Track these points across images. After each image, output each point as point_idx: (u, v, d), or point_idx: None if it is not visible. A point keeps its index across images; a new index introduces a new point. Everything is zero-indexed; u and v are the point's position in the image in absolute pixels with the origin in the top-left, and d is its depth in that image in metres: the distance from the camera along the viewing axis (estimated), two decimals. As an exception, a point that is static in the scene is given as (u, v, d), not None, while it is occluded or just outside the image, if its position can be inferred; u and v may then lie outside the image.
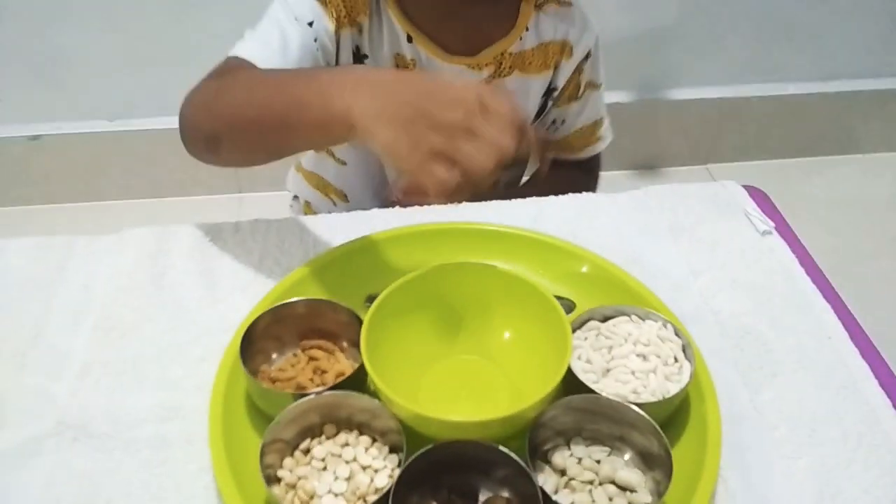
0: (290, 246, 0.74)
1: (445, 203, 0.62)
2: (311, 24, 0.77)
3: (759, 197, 0.82)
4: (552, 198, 0.80)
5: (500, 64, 0.85)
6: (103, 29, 1.55)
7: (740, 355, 0.65)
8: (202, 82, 0.70)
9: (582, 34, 0.88)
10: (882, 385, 0.63)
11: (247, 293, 0.68)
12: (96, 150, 1.66)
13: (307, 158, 0.99)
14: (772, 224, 0.77)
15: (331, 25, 0.78)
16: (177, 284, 0.70)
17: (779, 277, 0.72)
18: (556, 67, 0.88)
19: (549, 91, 0.90)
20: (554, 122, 0.94)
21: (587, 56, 0.89)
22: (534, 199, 0.80)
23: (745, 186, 0.83)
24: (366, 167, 0.93)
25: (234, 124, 0.66)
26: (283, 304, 0.62)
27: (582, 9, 0.88)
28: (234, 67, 0.70)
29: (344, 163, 0.93)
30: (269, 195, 1.55)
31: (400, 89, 0.54)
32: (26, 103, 1.65)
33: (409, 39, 0.82)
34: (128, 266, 0.71)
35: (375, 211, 0.79)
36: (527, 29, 0.85)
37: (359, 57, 0.83)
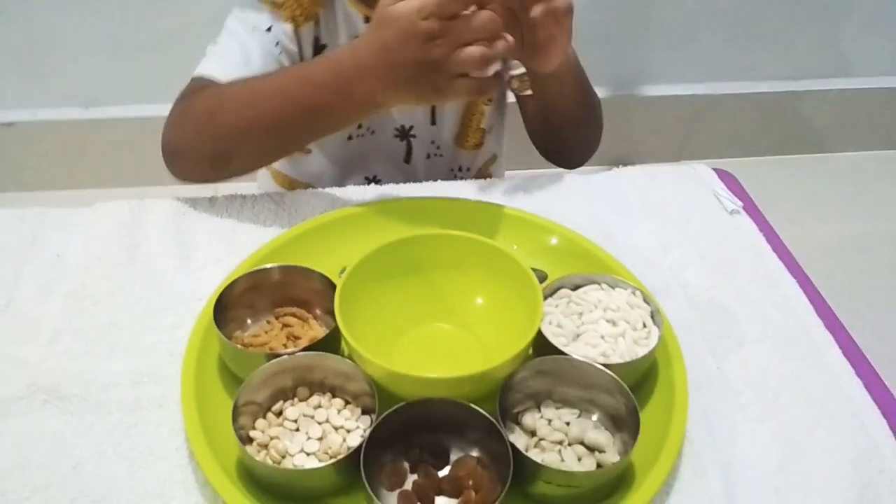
0: (265, 219, 0.74)
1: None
2: (269, 29, 0.78)
3: (728, 178, 0.83)
4: (526, 178, 0.81)
5: None
6: (80, 15, 1.54)
7: (707, 325, 0.66)
8: (177, 108, 0.75)
9: None
10: (845, 354, 0.64)
11: (220, 265, 0.69)
12: (71, 138, 1.65)
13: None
14: (740, 203, 0.79)
15: (289, 26, 0.80)
16: (151, 255, 0.70)
17: (746, 254, 0.74)
18: None
19: None
20: None
21: None
22: (508, 178, 0.81)
23: (714, 169, 0.84)
24: (333, 152, 0.93)
25: (248, 135, 0.71)
26: (258, 270, 0.62)
27: None
28: (207, 87, 0.74)
29: (308, 150, 0.94)
30: (243, 185, 1.55)
31: (390, 57, 0.63)
32: (1, 90, 1.65)
33: (367, 20, 0.82)
34: (102, 237, 0.71)
35: (350, 188, 0.79)
36: None
37: (318, 48, 0.84)
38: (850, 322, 0.69)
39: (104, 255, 0.70)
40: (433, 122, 0.92)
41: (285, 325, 0.63)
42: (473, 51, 0.61)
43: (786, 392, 0.61)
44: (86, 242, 0.71)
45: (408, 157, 0.94)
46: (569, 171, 0.87)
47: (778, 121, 1.91)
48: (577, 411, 0.57)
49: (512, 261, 0.61)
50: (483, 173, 0.99)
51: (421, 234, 0.64)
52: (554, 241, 0.71)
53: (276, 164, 0.97)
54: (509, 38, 0.62)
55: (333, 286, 0.60)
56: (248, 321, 0.63)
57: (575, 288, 0.63)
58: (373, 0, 0.82)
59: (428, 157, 0.95)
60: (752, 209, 0.79)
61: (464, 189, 0.78)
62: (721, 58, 1.81)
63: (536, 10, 0.66)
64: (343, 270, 0.66)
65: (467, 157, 0.96)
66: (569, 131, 0.89)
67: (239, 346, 0.59)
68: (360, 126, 0.90)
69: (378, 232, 0.68)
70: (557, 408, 0.57)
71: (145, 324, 0.64)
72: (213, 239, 0.72)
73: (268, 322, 0.63)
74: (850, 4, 1.78)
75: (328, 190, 0.79)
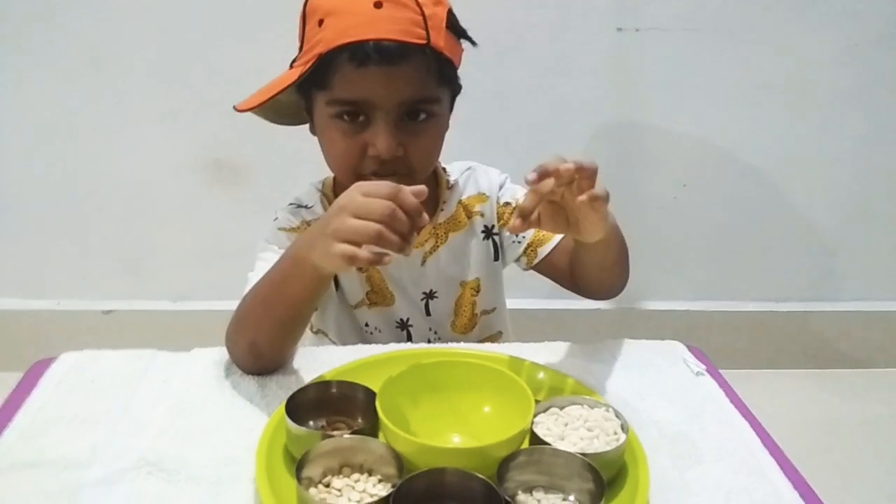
0: (321, 362, 0.94)
1: (377, 256, 0.75)
2: None
3: (695, 351, 1.02)
4: (531, 344, 1.01)
5: (437, 235, 1.09)
6: (175, 224, 1.91)
7: (674, 449, 0.82)
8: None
9: (489, 179, 1.13)
10: (785, 473, 0.79)
11: (289, 391, 0.87)
12: (159, 326, 1.95)
13: (310, 342, 1.19)
14: (703, 367, 0.97)
15: None
16: (234, 384, 0.90)
17: (708, 403, 0.91)
18: (481, 213, 1.11)
19: (489, 231, 1.12)
20: (515, 238, 1.11)
21: (501, 187, 1.13)
22: (515, 345, 1.02)
23: (684, 344, 1.04)
24: (352, 343, 1.12)
25: (255, 319, 0.89)
26: (318, 381, 0.82)
27: (479, 165, 1.14)
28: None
29: (335, 343, 1.14)
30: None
31: (324, 224, 0.78)
32: (103, 282, 2.01)
33: None
34: (198, 370, 0.92)
35: (394, 345, 1.00)
36: (444, 201, 1.09)
37: None
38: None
39: (200, 382, 0.90)
40: (427, 314, 1.13)
41: (336, 426, 0.80)
42: (367, 225, 0.73)
43: (735, 497, 0.76)
44: (187, 374, 0.92)
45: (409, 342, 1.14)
46: (567, 342, 1.05)
47: (766, 338, 2.13)
48: (561, 495, 0.72)
49: (513, 380, 0.80)
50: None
51: (442, 360, 0.84)
52: (541, 375, 0.90)
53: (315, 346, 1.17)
54: (408, 237, 0.75)
55: (373, 398, 0.79)
56: (310, 423, 0.81)
57: (563, 407, 0.81)
58: None
59: (429, 341, 1.14)
60: (713, 372, 0.97)
61: (475, 346, 0.98)
62: (707, 279, 2.10)
63: (583, 198, 0.77)
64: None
65: (465, 338, 1.15)
66: (606, 279, 1.03)
67: (301, 428, 0.76)
68: (375, 328, 1.12)
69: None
70: (546, 492, 0.72)
71: (228, 427, 0.82)
72: (284, 375, 0.92)
73: (322, 427, 0.81)
74: (822, 231, 2.08)
75: (375, 346, 1.00)
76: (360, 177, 0.97)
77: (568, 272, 1.08)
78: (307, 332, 1.19)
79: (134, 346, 2.03)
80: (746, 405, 0.92)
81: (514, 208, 0.82)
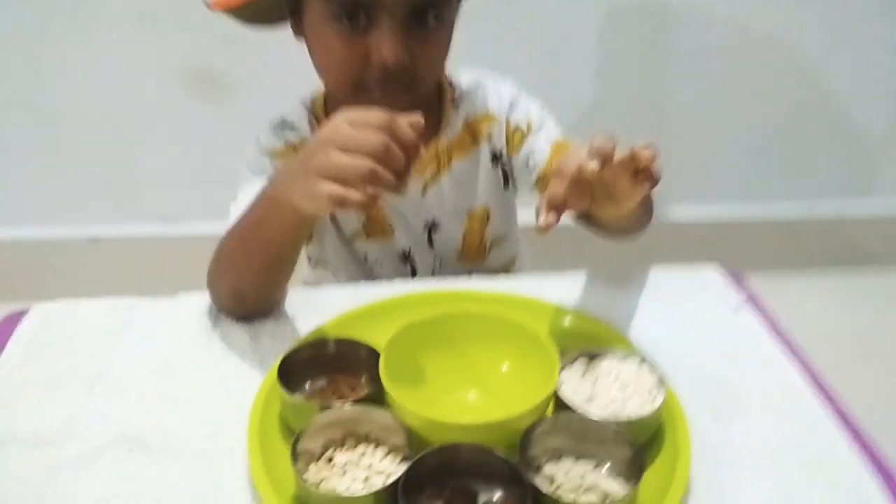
0: (319, 307, 0.85)
1: (370, 198, 0.65)
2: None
3: (733, 276, 0.92)
4: (550, 275, 0.92)
5: (439, 160, 0.98)
6: (162, 141, 1.78)
7: (713, 398, 0.74)
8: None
9: (499, 95, 0.99)
10: (840, 422, 0.71)
11: (284, 344, 0.79)
12: (150, 252, 1.85)
13: (309, 276, 1.10)
14: (744, 298, 0.87)
15: None
16: (223, 335, 0.81)
17: (750, 342, 0.82)
18: (489, 137, 0.99)
19: (498, 157, 1.00)
20: (527, 165, 0.98)
21: (512, 105, 0.99)
22: (534, 276, 0.92)
23: (720, 270, 0.94)
24: (353, 277, 1.04)
25: (235, 263, 0.81)
26: (316, 341, 0.73)
27: (488, 77, 1.00)
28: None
29: (336, 277, 1.05)
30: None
31: (304, 160, 0.69)
32: (87, 207, 1.88)
33: None
34: (183, 321, 0.83)
35: (400, 282, 0.91)
36: (448, 122, 0.97)
37: None
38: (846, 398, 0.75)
39: (184, 335, 0.81)
40: (431, 246, 1.03)
41: (336, 389, 0.72)
42: (357, 162, 0.64)
43: (784, 456, 0.68)
44: (170, 325, 0.83)
45: (413, 275, 1.05)
46: (588, 269, 0.95)
47: (796, 240, 2.02)
48: (592, 462, 0.64)
49: (533, 335, 0.71)
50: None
51: (456, 311, 0.74)
52: (567, 321, 0.80)
53: (315, 280, 1.09)
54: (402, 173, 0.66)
55: (378, 355, 0.70)
56: (306, 386, 0.73)
57: (591, 359, 0.72)
58: None
59: (433, 273, 1.05)
60: (755, 304, 0.88)
61: (492, 283, 0.89)
62: (739, 178, 1.96)
63: (643, 187, 0.67)
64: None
65: (471, 267, 1.05)
66: (629, 228, 0.91)
67: (297, 397, 0.68)
68: (376, 260, 1.03)
69: (418, 316, 0.78)
70: (575, 462, 0.64)
71: (217, 389, 0.74)
72: (278, 324, 0.83)
73: (321, 389, 0.73)
74: (860, 128, 1.93)
75: (383, 284, 0.90)
76: (360, 89, 0.85)
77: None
78: (304, 266, 1.10)
79: (123, 274, 1.94)
80: (791, 340, 0.83)
81: (539, 203, 0.68)
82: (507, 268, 1.11)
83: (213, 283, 0.84)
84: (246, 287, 0.82)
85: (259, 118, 0.97)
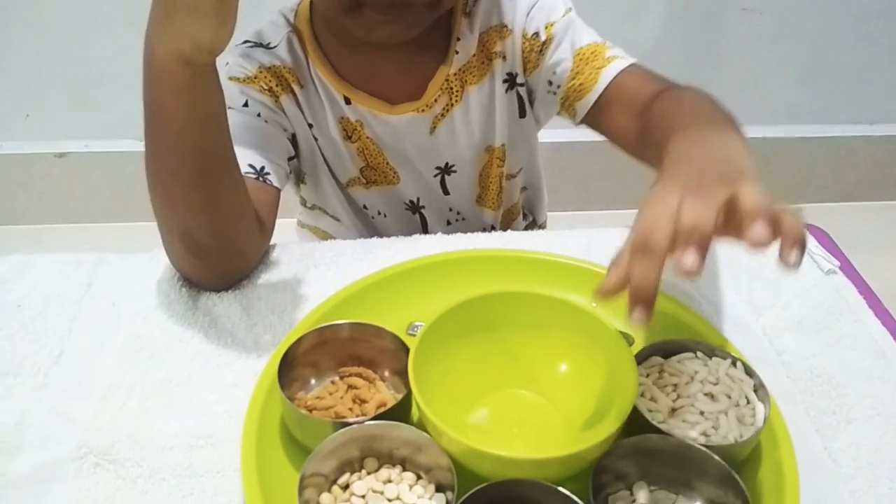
0: (326, 269, 0.71)
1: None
2: (245, 104, 0.74)
3: (821, 236, 0.78)
4: (602, 229, 0.76)
5: (451, 90, 0.80)
6: (134, 49, 1.54)
7: (810, 399, 0.60)
8: None
9: (514, 3, 0.79)
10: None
11: (283, 317, 0.65)
12: (123, 170, 1.64)
13: (305, 217, 0.95)
14: (836, 263, 0.73)
15: (267, 98, 0.77)
16: (209, 306, 0.66)
17: (846, 318, 0.68)
18: (503, 56, 0.80)
19: (512, 79, 0.82)
20: (550, 83, 0.80)
21: (528, 13, 0.79)
22: (583, 230, 0.76)
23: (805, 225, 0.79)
24: (356, 225, 0.89)
25: (163, 191, 0.63)
26: (327, 326, 0.58)
27: None
28: None
29: (338, 219, 0.90)
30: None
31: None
32: (53, 120, 1.66)
33: (348, 101, 0.78)
34: (160, 284, 0.68)
35: (418, 237, 0.75)
36: (458, 39, 0.79)
37: (306, 123, 0.80)
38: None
39: (162, 303, 0.66)
40: (445, 192, 0.87)
41: (351, 387, 0.58)
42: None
43: (902, 476, 0.55)
44: (143, 290, 0.68)
45: (424, 228, 0.89)
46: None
47: (852, 166, 1.85)
48: (673, 496, 0.51)
49: (598, 323, 0.56)
50: (513, 213, 0.93)
51: (497, 292, 0.59)
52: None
53: (310, 222, 0.94)
54: None
55: (403, 346, 0.56)
56: (312, 381, 0.59)
57: (667, 356, 0.58)
58: (356, 78, 0.77)
59: (448, 223, 0.90)
60: (848, 268, 0.74)
61: (533, 240, 0.74)
62: (794, 100, 1.76)
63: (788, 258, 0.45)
64: (411, 326, 0.62)
65: (492, 215, 0.90)
66: None
67: (303, 410, 0.54)
68: (378, 211, 0.87)
69: (444, 286, 0.64)
70: (652, 490, 0.51)
71: (203, 382, 0.60)
72: (276, 287, 0.68)
73: (332, 383, 0.59)
74: None
75: (392, 239, 0.75)
76: (356, 7, 0.68)
77: (632, 133, 0.74)
78: (298, 205, 0.94)
79: (95, 194, 1.77)
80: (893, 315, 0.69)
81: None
82: (526, 203, 0.95)
83: (164, 237, 0.66)
84: (190, 221, 0.64)
85: (244, 28, 0.79)
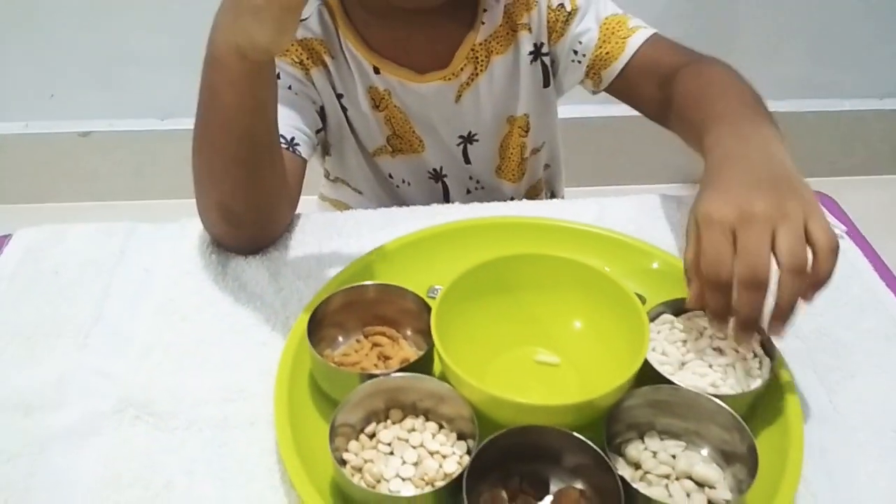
0: (349, 235, 0.73)
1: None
2: (277, 77, 0.75)
3: (828, 203, 0.79)
4: (613, 198, 0.79)
5: (476, 59, 0.81)
6: (157, 28, 1.58)
7: (816, 356, 0.63)
8: None
9: None
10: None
11: (309, 282, 0.68)
12: (146, 148, 1.67)
13: (327, 189, 0.98)
14: (844, 228, 0.75)
15: (297, 71, 0.79)
16: (239, 271, 0.69)
17: (853, 281, 0.70)
18: (529, 28, 0.82)
19: (537, 50, 0.83)
20: (575, 52, 0.82)
21: None
22: (595, 199, 0.79)
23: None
24: (378, 196, 0.92)
25: (207, 168, 0.66)
26: (354, 287, 0.61)
27: None
28: None
29: (360, 192, 0.93)
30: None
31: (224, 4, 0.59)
32: (78, 99, 1.69)
33: (377, 71, 0.80)
34: (190, 252, 0.71)
35: (436, 206, 0.78)
36: (485, 10, 0.80)
37: (338, 96, 0.82)
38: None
39: (192, 269, 0.69)
40: (467, 161, 0.89)
41: (375, 345, 0.61)
42: None
43: (906, 429, 0.57)
44: (174, 258, 0.71)
45: (446, 197, 0.92)
46: (659, 192, 0.83)
47: (862, 140, 1.86)
48: (682, 443, 0.54)
49: (611, 283, 0.59)
50: (536, 189, 0.96)
51: (514, 254, 0.62)
52: (654, 265, 0.68)
53: (333, 195, 0.96)
54: None
55: (425, 306, 0.59)
56: (339, 339, 0.62)
57: (677, 314, 0.60)
58: (385, 48, 0.80)
59: (468, 192, 0.92)
60: (855, 235, 0.75)
61: (547, 209, 0.76)
62: (805, 74, 1.76)
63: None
64: (431, 289, 0.65)
65: (512, 187, 0.92)
66: None
67: (332, 364, 0.57)
68: (402, 180, 0.89)
69: (465, 251, 0.66)
70: (662, 439, 0.54)
71: (234, 341, 0.63)
72: (300, 255, 0.71)
73: (357, 341, 0.62)
74: None
75: (412, 209, 0.78)
76: None
77: (656, 101, 0.78)
78: (320, 178, 0.96)
79: (118, 174, 1.80)
80: (898, 280, 0.71)
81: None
82: (548, 181, 0.97)
83: (200, 204, 0.69)
84: (229, 195, 0.67)
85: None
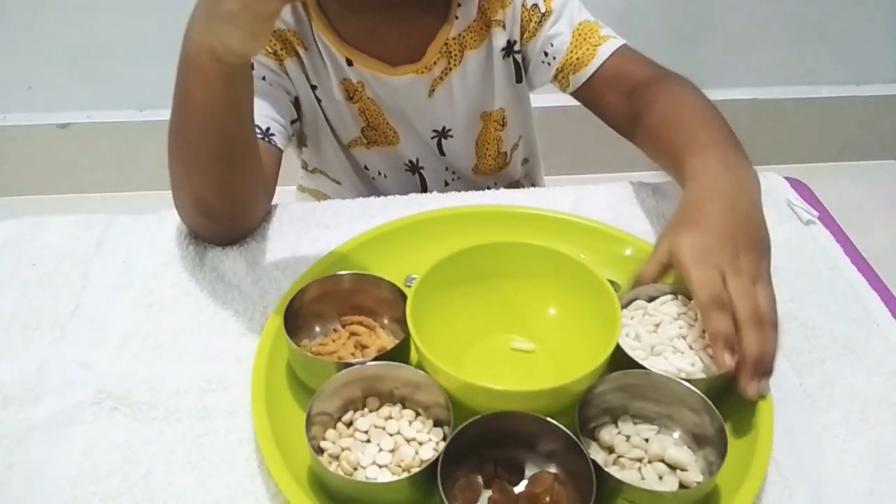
0: (327, 226, 0.74)
1: None
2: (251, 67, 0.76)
3: (801, 188, 0.81)
4: (591, 186, 0.79)
5: (450, 53, 0.82)
6: (135, 19, 1.57)
7: (786, 340, 0.63)
8: None
9: None
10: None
11: (286, 272, 0.68)
12: (125, 140, 1.66)
13: (306, 180, 0.98)
14: (815, 213, 0.76)
15: (271, 62, 0.79)
16: (217, 262, 0.69)
17: (823, 265, 0.71)
18: (503, 24, 0.82)
19: (510, 47, 0.84)
20: (545, 53, 0.82)
21: None
22: (573, 186, 0.79)
23: (785, 178, 0.82)
24: (357, 187, 0.92)
25: (182, 162, 0.66)
26: (329, 277, 0.62)
27: None
28: None
29: (338, 182, 0.93)
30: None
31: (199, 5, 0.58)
32: (56, 91, 1.67)
33: (350, 63, 0.81)
34: (168, 243, 0.71)
35: (413, 196, 0.78)
36: (459, 5, 0.81)
37: (312, 87, 0.83)
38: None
39: (171, 261, 0.70)
40: (441, 154, 0.89)
41: (352, 334, 0.62)
42: None
43: (873, 410, 0.58)
44: (152, 249, 0.71)
45: (424, 189, 0.92)
46: (635, 179, 0.84)
47: (839, 126, 1.87)
48: (655, 427, 0.55)
49: (585, 270, 0.60)
50: (517, 186, 0.96)
51: (490, 242, 0.63)
52: (627, 252, 0.69)
53: (311, 186, 0.96)
54: None
55: (401, 295, 0.59)
56: (316, 328, 0.62)
57: (650, 300, 0.61)
58: (358, 40, 0.80)
59: (446, 184, 0.92)
60: (827, 220, 0.77)
61: (524, 197, 0.77)
62: (782, 61, 1.78)
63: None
64: (409, 278, 0.65)
65: (489, 180, 0.93)
66: None
67: (309, 354, 0.58)
68: (378, 171, 0.89)
69: (440, 240, 0.66)
70: (635, 423, 0.55)
71: (212, 331, 0.64)
72: (279, 245, 0.72)
73: (335, 331, 0.62)
74: None
75: (388, 199, 0.78)
76: None
77: (621, 112, 0.79)
78: (297, 170, 0.96)
79: (97, 165, 1.79)
80: (871, 265, 0.73)
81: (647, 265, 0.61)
82: (527, 175, 0.98)
83: (176, 198, 0.69)
84: (205, 191, 0.67)
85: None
